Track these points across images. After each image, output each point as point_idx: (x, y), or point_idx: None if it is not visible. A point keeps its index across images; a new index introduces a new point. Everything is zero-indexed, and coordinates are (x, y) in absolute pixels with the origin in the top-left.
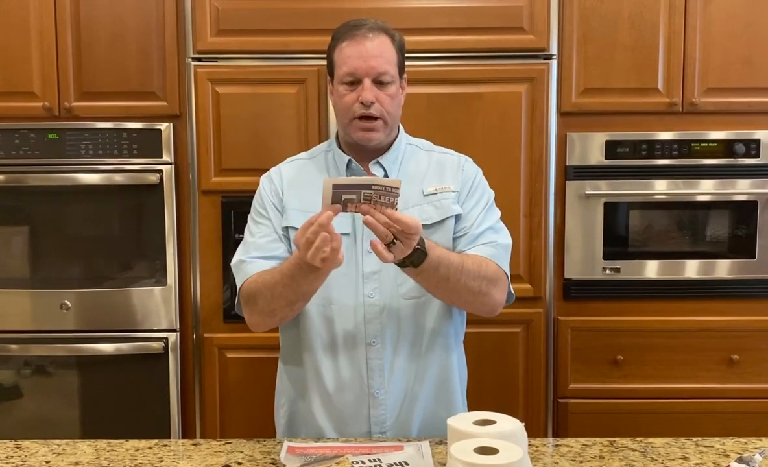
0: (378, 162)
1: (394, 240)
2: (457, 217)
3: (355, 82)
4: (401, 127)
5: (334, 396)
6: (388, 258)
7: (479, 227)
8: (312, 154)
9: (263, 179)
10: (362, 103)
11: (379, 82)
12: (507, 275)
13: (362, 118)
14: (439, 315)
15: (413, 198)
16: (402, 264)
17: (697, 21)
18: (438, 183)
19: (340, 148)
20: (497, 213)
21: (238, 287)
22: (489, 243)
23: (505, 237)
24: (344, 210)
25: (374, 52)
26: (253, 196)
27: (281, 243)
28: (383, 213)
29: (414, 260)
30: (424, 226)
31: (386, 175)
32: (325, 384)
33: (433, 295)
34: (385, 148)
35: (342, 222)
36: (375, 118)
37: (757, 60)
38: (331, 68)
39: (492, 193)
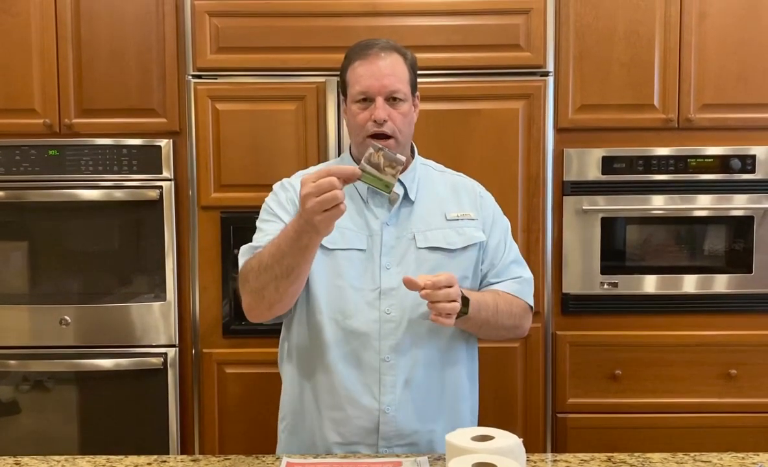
0: (398, 180)
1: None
2: (480, 245)
3: (368, 100)
4: (415, 148)
5: (344, 411)
6: (450, 323)
7: (505, 260)
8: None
9: (276, 187)
10: (375, 122)
11: (391, 100)
12: (531, 308)
13: (375, 136)
14: (456, 335)
15: (435, 220)
16: (456, 317)
17: (692, 38)
18: (458, 208)
19: (355, 162)
20: (515, 246)
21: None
22: (516, 279)
23: (528, 272)
24: (362, 174)
25: (386, 70)
26: (252, 212)
27: None
28: (429, 283)
29: (465, 308)
30: (448, 250)
31: (406, 193)
32: (337, 399)
33: (475, 335)
34: (402, 169)
35: (357, 237)
36: (388, 136)
37: (752, 76)
38: (344, 88)
39: (508, 221)
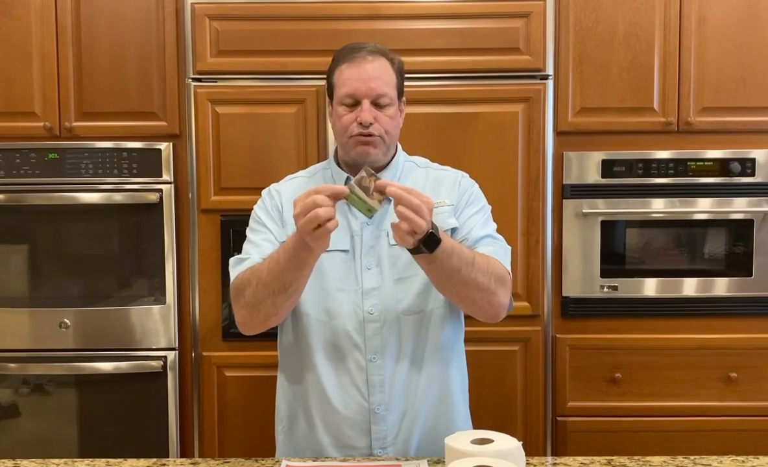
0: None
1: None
2: (453, 231)
3: (354, 104)
4: (399, 145)
5: (335, 413)
6: (409, 242)
7: (479, 233)
8: (310, 173)
9: (264, 193)
10: (360, 124)
11: (377, 104)
12: (510, 277)
13: (360, 136)
14: (439, 329)
15: None
16: (416, 250)
17: (691, 41)
18: (434, 198)
19: (339, 166)
20: (494, 226)
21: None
22: (491, 244)
23: (505, 243)
24: (350, 194)
25: (373, 74)
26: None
27: None
28: (401, 188)
29: (428, 244)
30: None
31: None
32: (326, 401)
33: (442, 291)
34: (383, 166)
35: (341, 239)
36: (374, 137)
37: (751, 80)
38: (330, 90)
39: (489, 207)
